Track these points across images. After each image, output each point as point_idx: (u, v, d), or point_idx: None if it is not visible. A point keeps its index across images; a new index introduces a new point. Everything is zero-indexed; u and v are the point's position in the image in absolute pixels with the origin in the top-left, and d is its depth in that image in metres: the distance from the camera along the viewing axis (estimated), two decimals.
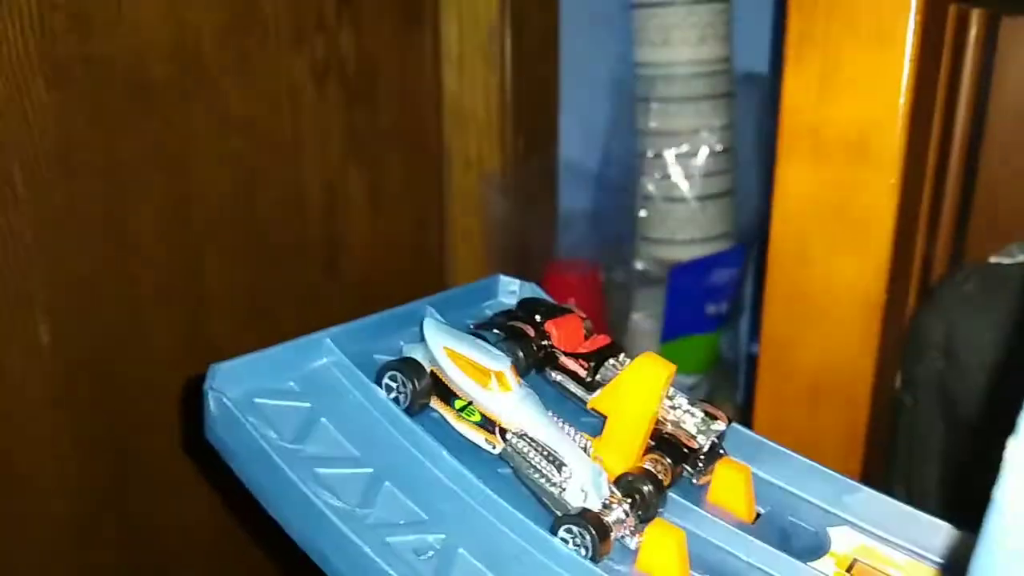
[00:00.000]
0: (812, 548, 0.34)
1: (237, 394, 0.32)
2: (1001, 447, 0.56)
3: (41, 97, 0.55)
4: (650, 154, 0.98)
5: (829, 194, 0.47)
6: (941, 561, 0.34)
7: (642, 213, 0.99)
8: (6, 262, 0.55)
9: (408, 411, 0.34)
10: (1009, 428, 0.55)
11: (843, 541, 0.35)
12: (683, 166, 0.97)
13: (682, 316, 1.01)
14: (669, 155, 0.97)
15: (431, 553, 0.30)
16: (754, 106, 1.01)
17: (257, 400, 0.33)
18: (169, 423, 0.66)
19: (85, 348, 0.60)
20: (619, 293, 1.00)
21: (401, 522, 0.31)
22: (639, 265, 1.02)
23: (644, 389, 0.33)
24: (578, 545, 0.30)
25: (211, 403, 0.32)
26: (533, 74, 0.94)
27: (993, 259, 0.62)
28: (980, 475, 0.56)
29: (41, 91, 0.55)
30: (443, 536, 0.31)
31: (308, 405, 0.34)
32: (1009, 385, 0.54)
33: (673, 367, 0.33)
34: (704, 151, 0.97)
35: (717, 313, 1.04)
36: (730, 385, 1.08)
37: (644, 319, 1.03)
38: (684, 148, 0.97)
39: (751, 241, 1.04)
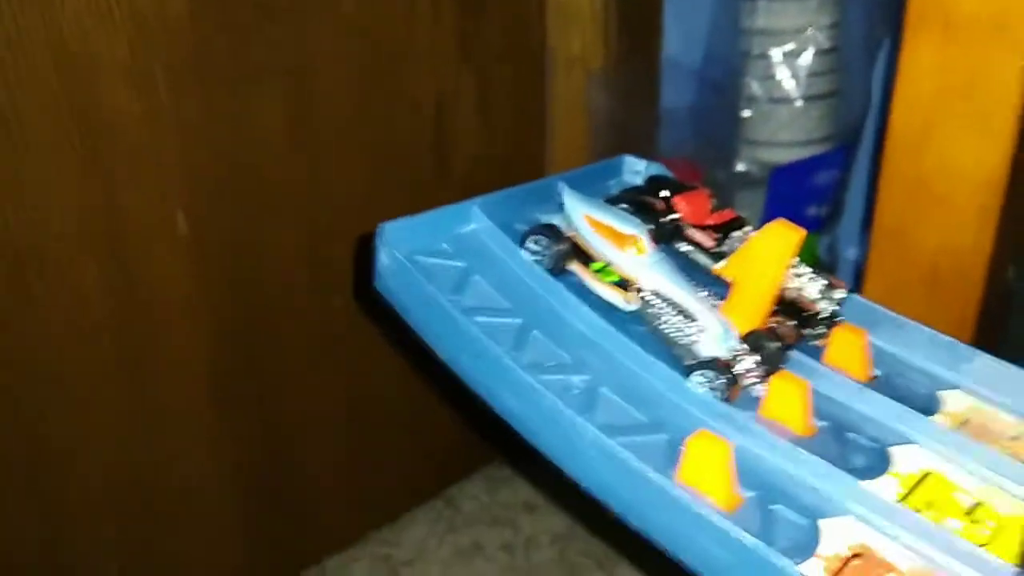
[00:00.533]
0: (926, 407, 0.36)
1: (402, 251, 0.36)
2: None
3: (178, 6, 0.58)
4: (755, 52, 0.97)
5: (956, 74, 0.47)
6: None
7: (745, 113, 0.99)
8: (152, 162, 0.60)
9: (551, 272, 0.38)
10: None
11: (956, 402, 0.37)
12: (789, 65, 0.96)
13: (783, 217, 1.01)
14: (775, 54, 0.96)
15: (577, 391, 0.34)
16: (861, 4, 0.98)
17: (418, 258, 0.37)
18: (295, 307, 0.71)
19: (221, 242, 0.65)
20: (720, 194, 1.01)
21: (550, 364, 0.34)
22: (740, 166, 1.02)
23: (774, 252, 0.36)
24: (711, 388, 0.34)
25: (383, 256, 0.36)
26: None
27: None
28: None
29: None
30: (587, 377, 0.34)
31: (462, 264, 0.38)
32: None
33: (803, 231, 0.36)
34: (810, 50, 0.96)
35: (817, 215, 1.04)
36: None
37: None
38: (790, 47, 0.96)
39: (854, 143, 1.03)
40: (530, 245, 0.38)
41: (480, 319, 0.35)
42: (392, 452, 0.86)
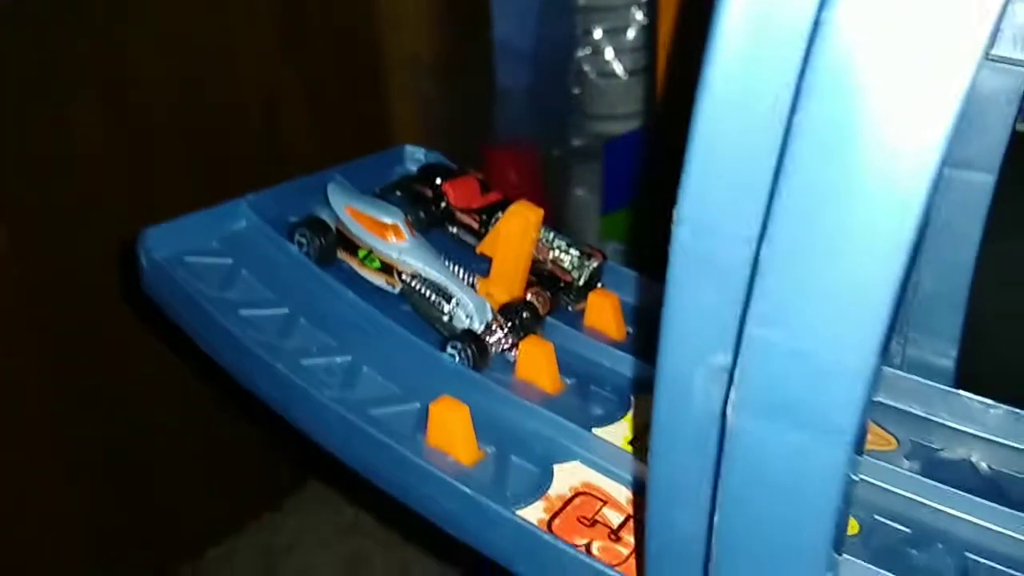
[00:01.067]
0: None
1: (167, 253, 0.38)
2: None
3: None
4: (581, 31, 1.01)
5: None
6: None
7: (576, 90, 1.03)
8: None
9: (318, 263, 0.40)
10: None
11: None
12: (613, 42, 1.01)
13: (620, 189, 1.06)
14: (599, 31, 1.00)
15: (338, 371, 0.36)
16: None
17: (186, 258, 0.39)
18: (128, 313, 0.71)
19: (44, 255, 0.64)
20: (558, 170, 1.05)
21: (314, 349, 0.37)
22: (576, 142, 1.06)
23: (518, 231, 0.39)
24: (462, 359, 0.37)
25: (144, 260, 0.37)
26: None
27: None
28: None
29: None
30: (350, 358, 0.37)
31: (230, 261, 0.40)
32: None
33: (540, 211, 0.39)
34: (633, 26, 1.01)
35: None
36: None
37: (585, 194, 1.08)
38: (613, 23, 1.00)
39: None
40: (297, 238, 0.40)
41: (244, 312, 0.37)
42: (264, 438, 0.85)
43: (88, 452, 0.72)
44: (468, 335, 0.37)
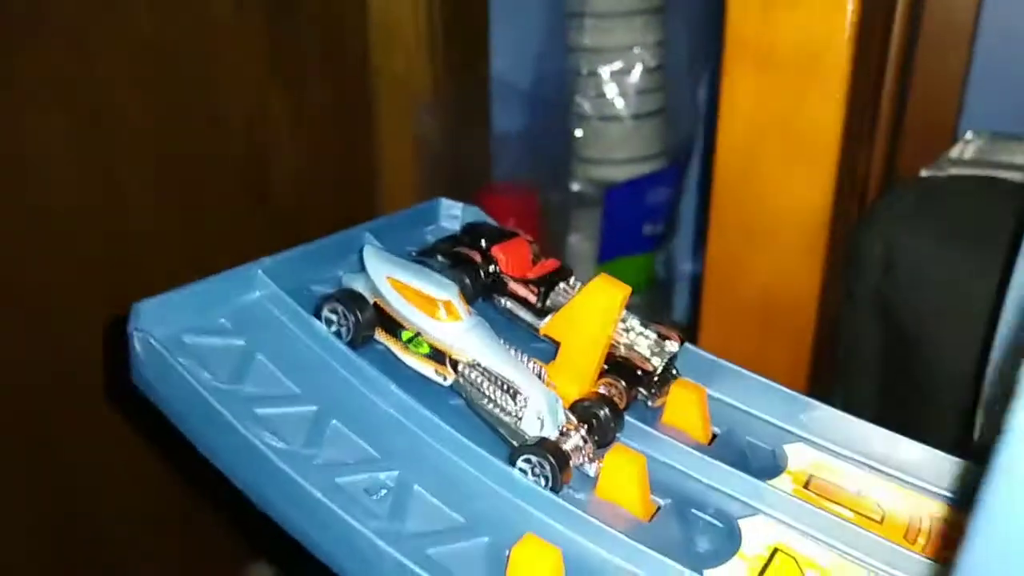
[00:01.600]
0: (769, 466, 0.34)
1: (164, 333, 0.30)
2: (943, 359, 0.56)
3: None
4: (584, 71, 0.95)
5: (775, 108, 0.46)
6: (897, 474, 0.34)
7: (578, 132, 0.97)
8: None
9: (351, 345, 0.32)
10: (950, 338, 0.55)
11: (799, 458, 0.35)
12: (618, 83, 0.95)
13: (619, 237, 1.01)
14: (604, 72, 0.95)
15: (384, 491, 0.28)
16: (684, 22, 0.99)
17: (187, 339, 0.31)
18: (87, 359, 0.62)
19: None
20: (556, 215, 0.99)
21: (351, 461, 0.29)
22: (575, 186, 1.00)
23: (599, 312, 0.32)
24: (537, 475, 0.29)
25: (136, 344, 0.29)
26: None
27: (925, 172, 0.63)
28: (917, 385, 0.57)
29: None
30: (396, 473, 0.29)
31: (242, 342, 0.32)
32: (948, 295, 0.54)
33: (628, 289, 0.32)
34: (638, 68, 0.95)
35: (653, 233, 1.03)
36: (665, 304, 1.08)
37: (581, 241, 1.02)
38: (618, 65, 0.95)
39: (684, 160, 1.03)
40: (326, 314, 0.33)
41: (262, 410, 0.29)
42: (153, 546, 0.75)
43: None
44: (545, 445, 0.30)
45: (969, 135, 0.82)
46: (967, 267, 0.54)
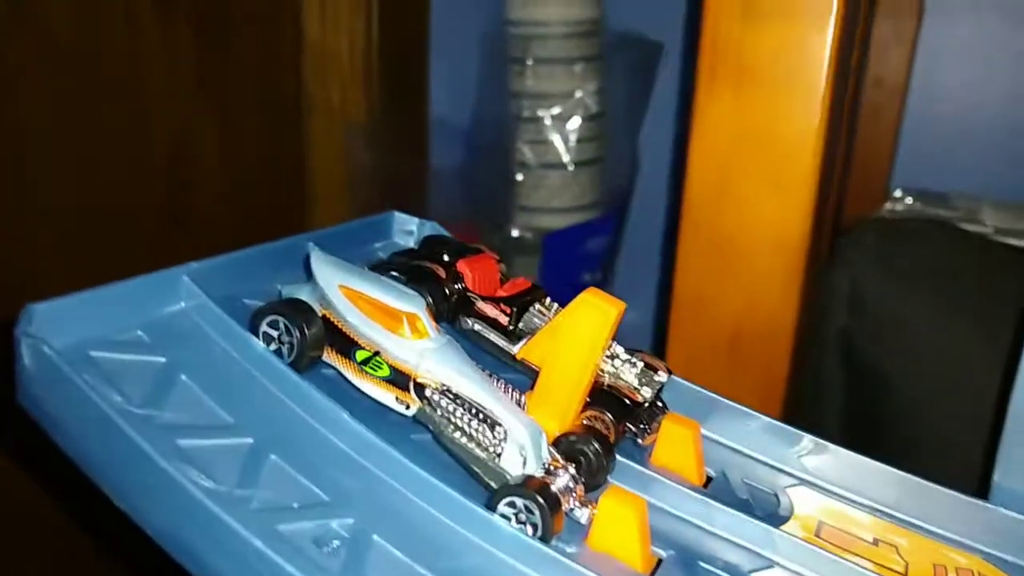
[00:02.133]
0: (774, 513, 0.30)
1: (64, 343, 0.24)
2: (906, 397, 0.54)
3: None
4: (525, 115, 0.93)
5: (751, 129, 0.43)
6: (915, 520, 0.30)
7: (519, 177, 0.94)
8: None
9: (294, 366, 0.27)
10: (916, 376, 0.52)
11: (805, 503, 0.31)
12: (558, 130, 0.93)
13: (557, 284, 0.97)
14: (545, 117, 0.92)
15: (336, 543, 0.23)
16: (624, 69, 0.98)
17: (93, 353, 0.25)
18: None
19: None
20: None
21: (295, 505, 0.23)
22: (514, 232, 0.97)
23: (588, 332, 0.28)
24: (523, 522, 0.24)
25: (25, 353, 0.23)
26: (402, 22, 0.87)
27: (887, 207, 0.61)
28: (881, 424, 0.54)
29: None
30: (351, 521, 0.24)
31: (162, 360, 0.26)
32: (913, 334, 0.52)
33: (623, 305, 0.28)
34: (579, 114, 0.93)
35: (592, 281, 1.00)
36: None
37: None
38: (558, 110, 0.93)
39: (621, 209, 1.02)
40: (266, 329, 0.27)
41: (186, 442, 0.23)
42: None
43: None
44: (531, 485, 0.25)
45: (899, 192, 0.82)
46: (934, 309, 0.53)
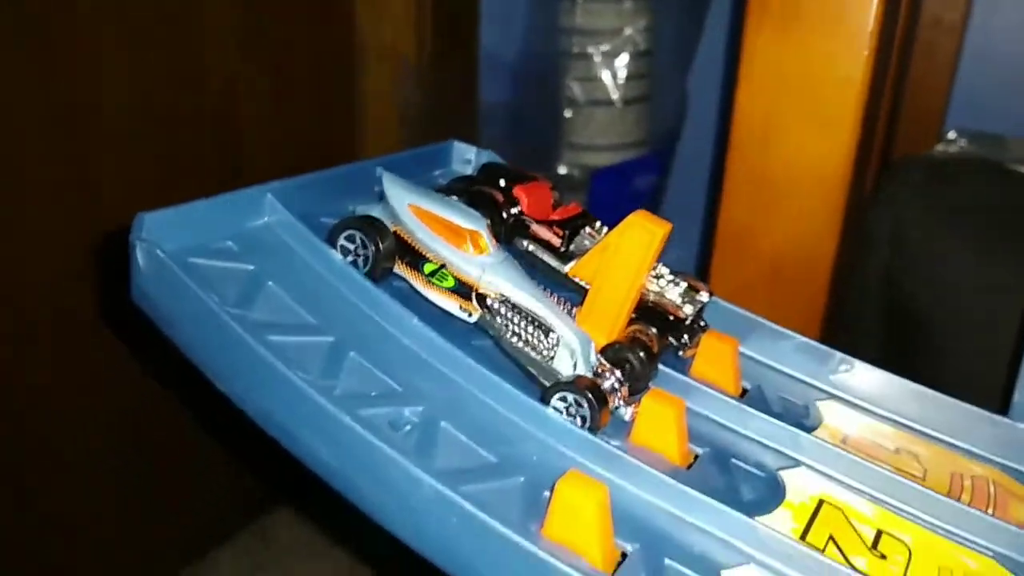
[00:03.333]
0: (804, 422, 0.32)
1: (170, 249, 0.27)
2: (943, 334, 0.55)
3: None
4: (574, 51, 0.94)
5: (798, 67, 0.44)
6: (936, 433, 0.32)
7: (567, 114, 0.95)
8: None
9: (369, 276, 0.30)
10: (954, 314, 0.54)
11: (834, 415, 0.33)
12: (607, 67, 0.94)
13: (605, 221, 0.99)
14: (594, 54, 0.93)
15: (409, 427, 0.26)
16: (673, 8, 0.98)
17: (191, 260, 0.28)
18: (49, 328, 0.58)
19: None
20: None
21: (372, 394, 0.27)
22: (562, 169, 0.98)
23: (636, 250, 0.30)
24: (573, 415, 0.27)
25: (140, 257, 0.26)
26: None
27: (939, 148, 0.62)
28: (916, 359, 0.56)
29: None
30: (421, 409, 0.27)
31: (251, 267, 0.29)
32: (953, 271, 0.54)
33: (669, 225, 0.30)
34: (627, 52, 0.94)
35: None
36: None
37: None
38: (607, 47, 0.93)
39: (668, 149, 1.02)
40: (343, 243, 0.30)
41: (276, 338, 0.27)
42: (181, 484, 0.73)
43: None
44: (581, 382, 0.28)
45: (952, 134, 0.82)
46: (975, 248, 0.54)
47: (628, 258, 0.30)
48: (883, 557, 0.26)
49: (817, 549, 0.25)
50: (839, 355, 0.34)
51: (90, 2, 0.56)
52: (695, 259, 0.87)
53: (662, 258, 0.32)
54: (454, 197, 0.35)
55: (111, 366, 0.61)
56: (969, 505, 0.29)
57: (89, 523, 0.65)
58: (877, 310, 0.57)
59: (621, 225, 0.30)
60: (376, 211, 0.31)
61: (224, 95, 0.69)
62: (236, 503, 0.81)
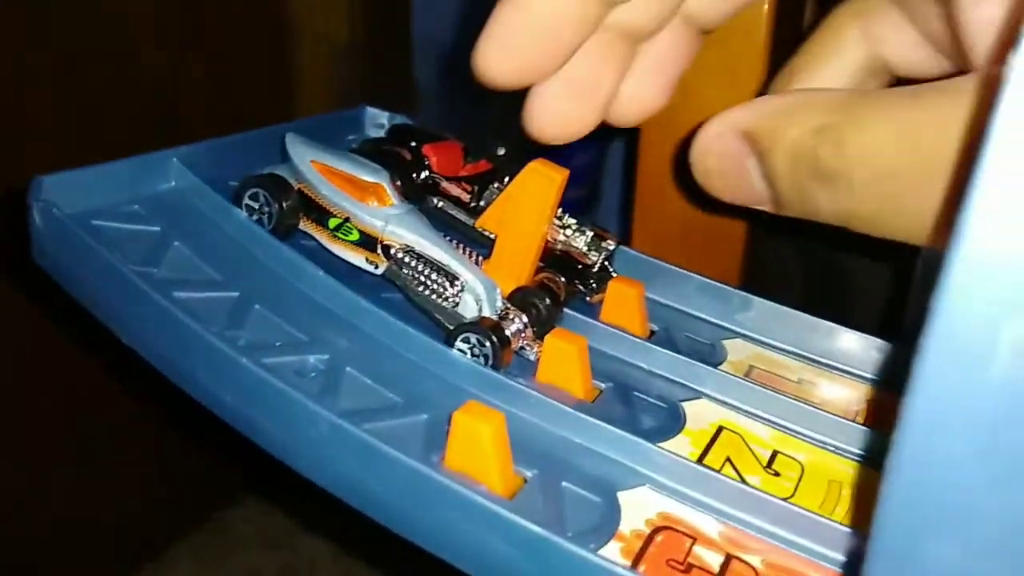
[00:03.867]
0: (709, 359, 0.33)
1: (70, 211, 0.27)
2: (856, 271, 0.57)
3: None
4: None
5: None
6: (834, 363, 0.34)
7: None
8: None
9: (274, 234, 0.30)
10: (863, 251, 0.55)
11: (738, 352, 0.34)
12: None
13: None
14: None
15: (314, 374, 0.27)
16: None
17: (96, 222, 0.28)
18: None
19: None
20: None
21: (277, 344, 0.27)
22: (500, 151, 0.99)
23: (536, 198, 0.31)
24: (477, 355, 0.28)
25: (37, 217, 0.27)
26: None
27: None
28: (836, 299, 0.57)
29: None
30: (327, 356, 0.27)
31: (157, 229, 0.29)
32: None
33: (565, 172, 0.31)
34: None
35: (576, 197, 1.03)
36: None
37: None
38: None
39: (606, 128, 1.03)
40: (247, 202, 0.31)
41: (180, 294, 0.27)
42: (133, 481, 0.73)
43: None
44: (484, 323, 0.28)
45: None
46: None
47: (530, 205, 0.31)
48: (776, 474, 0.28)
49: (713, 469, 0.27)
50: (740, 294, 0.35)
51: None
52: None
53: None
54: (364, 158, 0.35)
55: (45, 358, 0.61)
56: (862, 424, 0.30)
57: (45, 523, 0.65)
58: (794, 257, 0.58)
59: (520, 174, 0.31)
60: (281, 170, 0.32)
61: (160, 83, 0.69)
62: (194, 498, 0.81)
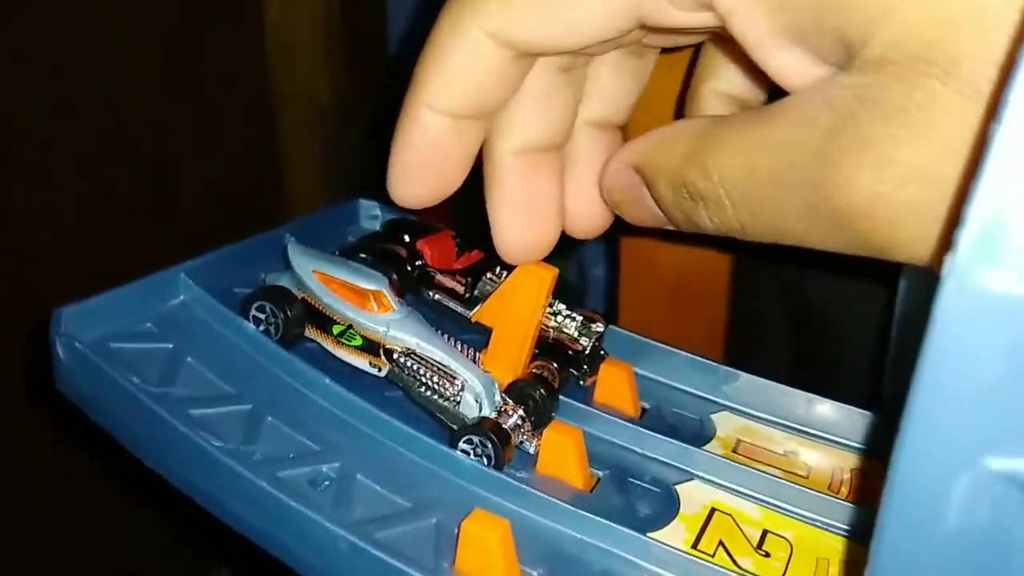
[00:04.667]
0: (699, 435, 0.35)
1: (89, 339, 0.29)
2: (843, 324, 0.59)
3: None
4: None
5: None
6: (818, 432, 0.36)
7: None
8: None
9: (282, 343, 0.32)
10: (852, 308, 0.57)
11: (726, 425, 0.36)
12: None
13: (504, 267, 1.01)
14: None
15: (327, 483, 0.28)
16: None
17: (113, 345, 0.30)
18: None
19: None
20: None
21: (291, 455, 0.29)
22: None
23: (529, 294, 0.33)
24: (480, 455, 0.30)
25: (60, 350, 0.28)
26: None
27: None
28: (826, 352, 0.59)
29: None
30: (338, 464, 0.29)
31: (170, 346, 0.31)
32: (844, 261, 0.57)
33: (555, 270, 0.33)
34: None
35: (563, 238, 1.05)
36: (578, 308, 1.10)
37: None
38: None
39: None
40: (254, 313, 0.32)
41: (197, 411, 0.29)
42: (119, 551, 0.74)
43: None
44: (485, 424, 0.30)
45: None
46: None
47: (523, 301, 0.33)
48: (767, 555, 0.29)
49: (707, 555, 0.28)
50: (724, 368, 0.37)
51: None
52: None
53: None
54: (362, 255, 0.37)
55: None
56: (846, 498, 0.32)
57: None
58: (779, 312, 0.60)
59: (514, 273, 0.33)
60: (284, 280, 0.33)
61: (158, 138, 0.71)
62: (176, 567, 0.81)
